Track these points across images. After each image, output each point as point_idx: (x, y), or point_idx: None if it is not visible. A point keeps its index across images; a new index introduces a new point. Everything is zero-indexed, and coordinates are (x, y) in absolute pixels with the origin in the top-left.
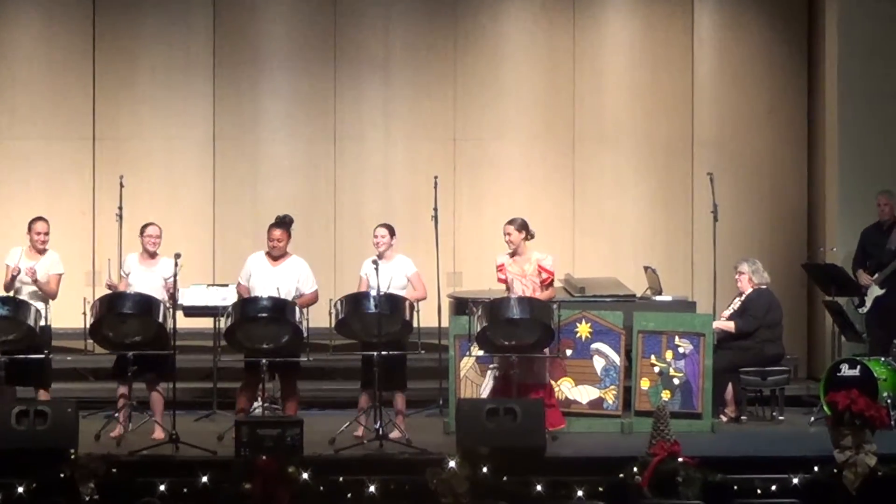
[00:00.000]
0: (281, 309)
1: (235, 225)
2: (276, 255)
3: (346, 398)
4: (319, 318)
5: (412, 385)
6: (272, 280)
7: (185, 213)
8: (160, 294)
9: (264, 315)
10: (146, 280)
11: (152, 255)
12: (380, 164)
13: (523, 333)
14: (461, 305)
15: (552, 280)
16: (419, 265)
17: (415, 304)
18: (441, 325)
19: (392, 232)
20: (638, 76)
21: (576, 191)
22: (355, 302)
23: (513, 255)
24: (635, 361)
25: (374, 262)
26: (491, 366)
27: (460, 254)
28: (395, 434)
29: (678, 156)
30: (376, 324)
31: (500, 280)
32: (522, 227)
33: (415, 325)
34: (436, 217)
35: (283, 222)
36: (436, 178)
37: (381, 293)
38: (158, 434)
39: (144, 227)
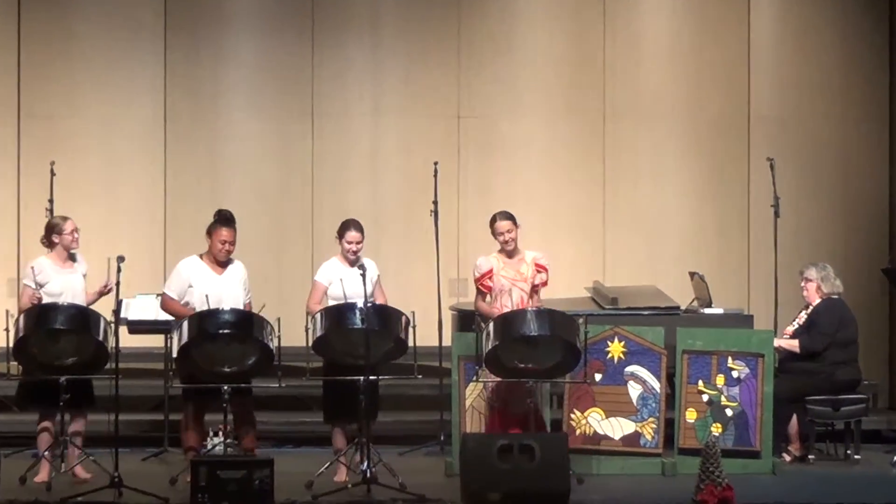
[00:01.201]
0: (247, 324)
1: (191, 222)
2: (222, 261)
3: (327, 433)
4: (293, 335)
5: (407, 416)
6: (222, 292)
7: (130, 207)
8: (83, 296)
9: (227, 331)
10: (71, 286)
11: (72, 257)
12: (367, 148)
13: (543, 354)
14: (466, 320)
15: (546, 282)
16: (415, 270)
17: (410, 318)
18: (442, 343)
19: (363, 233)
20: (682, 41)
21: (606, 179)
22: (337, 315)
23: (506, 256)
24: (679, 388)
25: (361, 265)
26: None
27: (466, 256)
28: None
29: (731, 137)
30: (363, 342)
31: (483, 288)
32: (516, 221)
33: (410, 343)
34: (436, 212)
35: (230, 218)
36: (435, 164)
37: (370, 303)
38: (81, 473)
39: (61, 221)
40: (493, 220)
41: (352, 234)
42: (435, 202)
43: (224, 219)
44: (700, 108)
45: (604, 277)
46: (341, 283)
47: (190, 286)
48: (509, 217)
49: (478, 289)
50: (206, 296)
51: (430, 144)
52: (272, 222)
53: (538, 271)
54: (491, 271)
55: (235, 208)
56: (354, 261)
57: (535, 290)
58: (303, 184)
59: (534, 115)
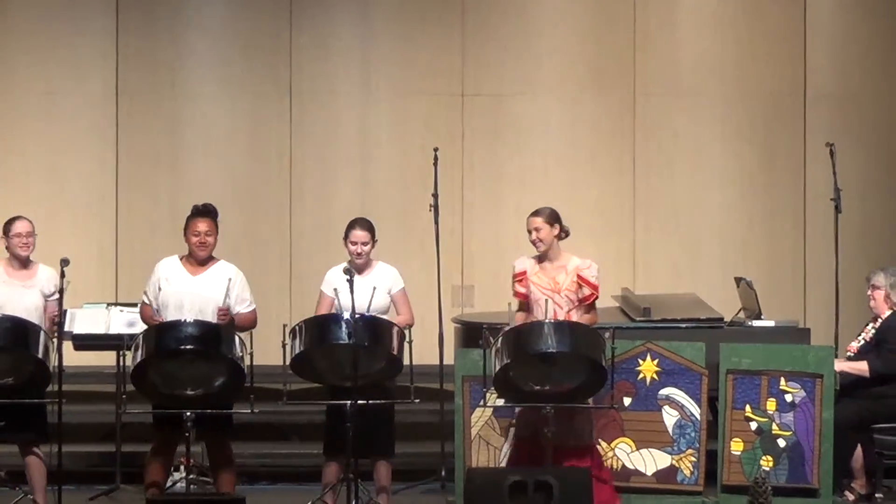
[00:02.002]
0: (213, 339)
1: (147, 220)
2: (200, 259)
3: (307, 467)
4: (268, 351)
5: (402, 448)
6: (193, 295)
7: (75, 202)
8: (39, 318)
9: (189, 347)
10: (18, 299)
11: (24, 264)
12: (355, 132)
13: (562, 374)
14: (472, 334)
15: (596, 299)
16: (412, 275)
17: (405, 331)
18: (443, 361)
19: (373, 232)
20: (727, 4)
21: (637, 168)
22: (320, 328)
23: (540, 259)
24: (723, 414)
25: (348, 270)
26: (515, 420)
27: (471, 259)
28: None
29: (784, 118)
30: (350, 360)
31: (518, 295)
32: (553, 218)
33: (406, 361)
34: (436, 207)
35: (208, 210)
36: (435, 150)
37: (358, 315)
38: None
39: (9, 222)
40: (529, 216)
41: (356, 233)
42: (435, 195)
43: (198, 209)
44: (748, 84)
45: (634, 284)
46: (341, 291)
47: (160, 289)
48: (538, 213)
49: (514, 294)
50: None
51: (429, 128)
52: (243, 218)
53: (580, 285)
54: (524, 274)
55: (199, 200)
56: (363, 266)
57: (583, 304)
58: (279, 173)
59: (551, 93)
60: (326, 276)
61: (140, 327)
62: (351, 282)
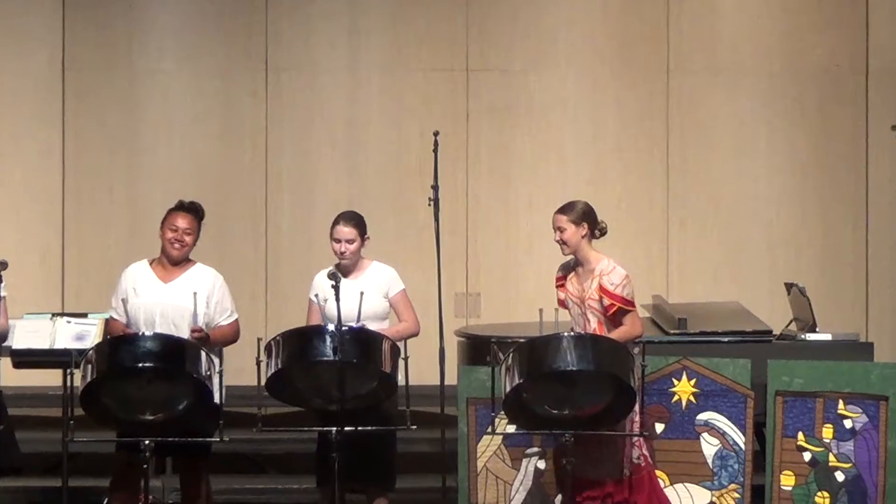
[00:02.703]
0: (175, 355)
1: (99, 215)
2: (174, 260)
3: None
4: (240, 369)
5: (398, 483)
6: (166, 306)
7: (14, 194)
8: None
9: (149, 365)
10: None
11: None
12: (342, 114)
13: (584, 396)
14: (479, 349)
15: (619, 310)
16: (408, 280)
17: (400, 345)
18: (445, 381)
19: (362, 228)
20: None
21: (671, 155)
22: (300, 343)
23: (576, 263)
24: (771, 443)
25: (333, 275)
26: (530, 450)
27: (477, 263)
28: None
29: (842, 98)
30: (336, 380)
31: (559, 302)
32: (582, 216)
33: (401, 380)
34: (436, 201)
35: (192, 208)
36: (435, 135)
37: (345, 326)
38: None
39: None
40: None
41: (339, 229)
42: (434, 187)
43: (182, 204)
44: (799, 58)
45: (667, 291)
46: (328, 299)
47: (128, 298)
48: (564, 210)
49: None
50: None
51: (428, 109)
52: (210, 214)
53: (604, 294)
54: (563, 279)
55: (161, 193)
56: (350, 268)
57: (609, 316)
58: (253, 162)
59: (570, 68)
60: (316, 280)
61: (91, 342)
62: (336, 288)
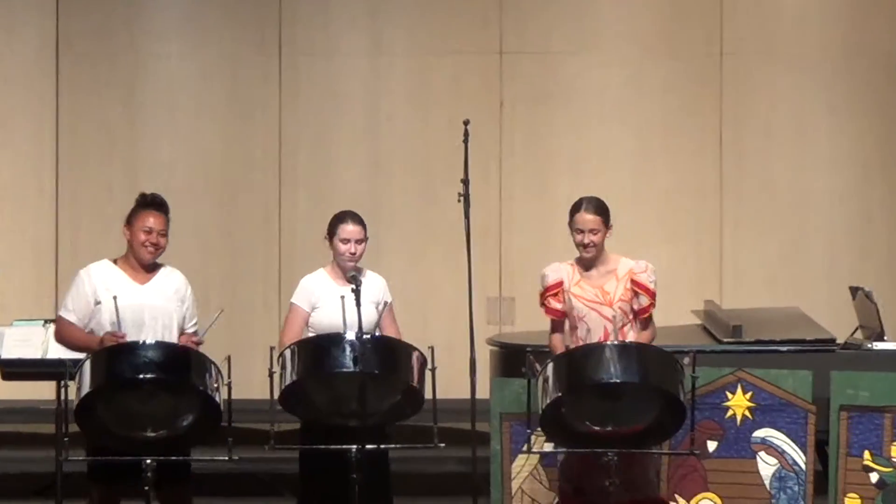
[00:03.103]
0: (181, 365)
1: (96, 216)
2: (146, 262)
3: None
4: (251, 382)
5: None
6: (153, 309)
7: (4, 190)
8: None
9: (151, 377)
10: None
11: None
12: (362, 101)
13: (629, 412)
14: (513, 359)
15: (651, 309)
16: (436, 284)
17: (427, 356)
18: (476, 395)
19: (366, 228)
20: None
21: (724, 146)
22: (318, 352)
23: (585, 265)
24: (835, 462)
25: (354, 277)
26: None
27: (511, 264)
28: None
29: None
30: (357, 393)
31: (551, 312)
32: (608, 215)
33: (428, 394)
34: (466, 197)
35: (162, 203)
36: (466, 125)
37: (367, 334)
38: None
39: None
40: (574, 208)
41: (348, 228)
42: (465, 182)
43: (152, 201)
44: (865, 40)
45: (720, 295)
46: (336, 305)
47: (98, 302)
48: (597, 209)
49: (546, 311)
50: (116, 308)
51: (458, 96)
52: (218, 212)
53: (636, 292)
54: (559, 285)
55: (164, 191)
56: (353, 271)
57: (640, 318)
58: (265, 156)
59: (614, 50)
60: (304, 283)
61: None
62: (357, 292)
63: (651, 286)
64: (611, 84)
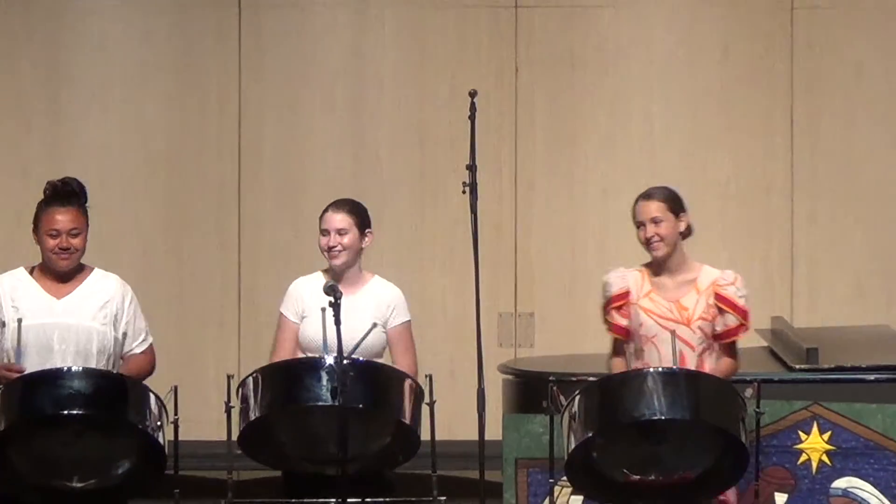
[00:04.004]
0: (115, 398)
1: (8, 206)
2: (62, 271)
3: None
4: (203, 419)
5: None
6: (66, 329)
7: None
8: None
9: (78, 412)
10: None
11: None
12: (343, 66)
13: (677, 456)
14: (532, 391)
15: (745, 333)
16: (434, 295)
17: (424, 386)
18: (485, 435)
19: (360, 218)
20: None
21: (797, 122)
22: (286, 381)
23: (655, 271)
24: None
25: (332, 288)
26: None
27: (529, 272)
28: None
29: None
30: (336, 433)
31: (615, 329)
32: (680, 205)
33: (425, 434)
34: (473, 187)
35: (73, 193)
36: (472, 95)
37: (349, 359)
38: None
39: None
40: (636, 199)
41: (326, 217)
42: (471, 167)
43: (57, 193)
44: None
45: (791, 310)
46: (313, 319)
47: (2, 324)
48: (657, 194)
49: (609, 329)
50: (18, 331)
51: (462, 59)
52: (161, 206)
53: (720, 309)
54: (626, 296)
55: (94, 175)
56: (349, 278)
57: (721, 341)
58: (221, 133)
59: (659, 4)
60: (291, 289)
61: None
62: (336, 306)
63: (740, 303)
64: (654, 45)
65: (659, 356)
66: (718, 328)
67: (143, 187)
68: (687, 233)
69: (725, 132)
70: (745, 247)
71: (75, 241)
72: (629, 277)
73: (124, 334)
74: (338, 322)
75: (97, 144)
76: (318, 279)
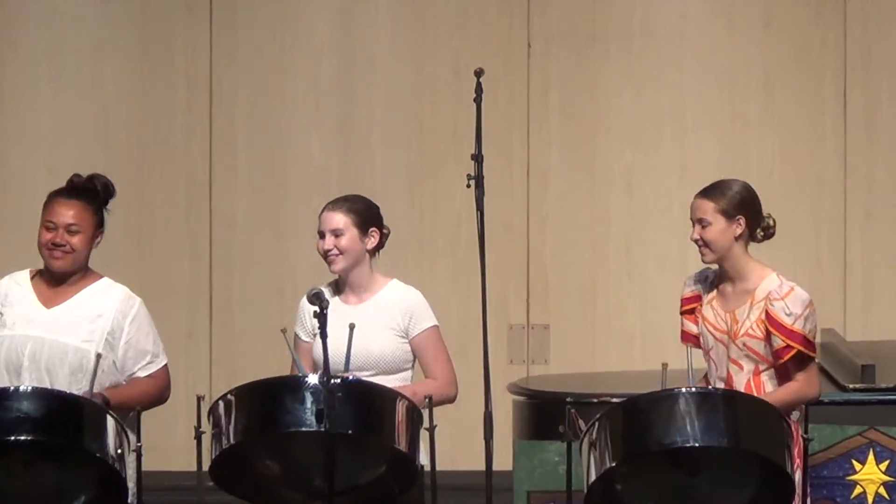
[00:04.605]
0: (69, 424)
1: None
2: (60, 275)
3: None
4: (171, 447)
5: None
6: (44, 343)
7: None
8: None
9: (27, 438)
10: None
11: None
12: (330, 39)
13: (713, 488)
14: (546, 414)
15: (804, 356)
16: (438, 302)
17: (424, 407)
18: (493, 465)
19: (365, 217)
20: None
21: (850, 107)
22: (264, 403)
23: (721, 277)
24: None
25: (316, 295)
26: None
27: (544, 278)
28: None
29: None
30: (322, 462)
31: (683, 337)
32: (742, 206)
33: (424, 461)
34: (479, 181)
35: (85, 187)
36: (478, 74)
37: (338, 378)
38: None
39: None
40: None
41: (324, 218)
42: (477, 157)
43: (72, 186)
44: None
45: (843, 321)
46: (338, 332)
47: None
48: (714, 193)
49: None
50: None
51: (468, 35)
52: (123, 201)
53: (772, 329)
54: (696, 300)
55: (43, 170)
56: (348, 283)
57: (780, 360)
58: (190, 120)
59: None
60: (301, 304)
61: None
62: (322, 317)
63: (787, 321)
64: (687, 17)
65: (717, 374)
66: (772, 348)
67: (92, 168)
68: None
69: (768, 117)
70: (790, 249)
71: (73, 240)
72: (703, 279)
73: (124, 355)
74: (324, 335)
75: (47, 129)
76: (327, 290)
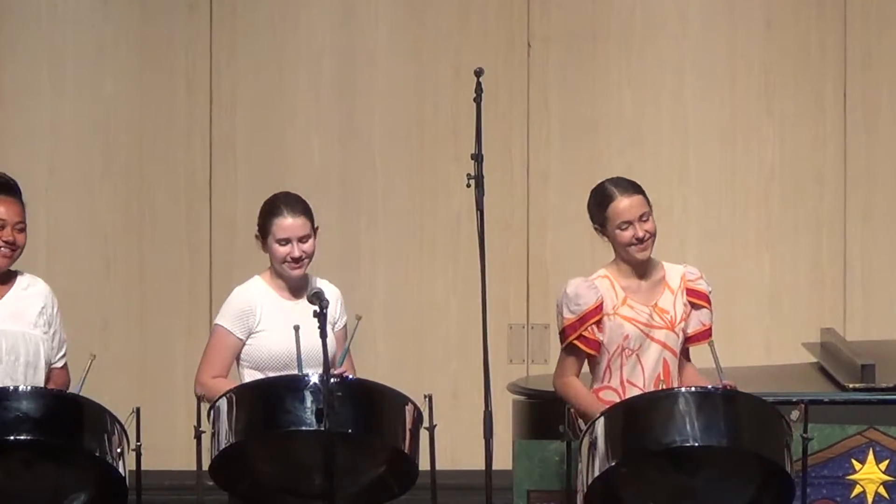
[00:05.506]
0: (69, 421)
1: None
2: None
3: None
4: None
5: None
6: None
7: None
8: None
9: (26, 438)
10: None
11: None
12: (329, 39)
13: (713, 489)
14: (546, 414)
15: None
16: (434, 307)
17: (423, 410)
18: (492, 464)
19: (313, 217)
20: None
21: (850, 105)
22: (264, 402)
23: (625, 275)
24: None
25: (317, 295)
26: None
27: (544, 277)
28: None
29: None
30: (321, 462)
31: (590, 346)
32: (642, 188)
33: (424, 462)
34: (479, 180)
35: (13, 186)
36: (478, 74)
37: (337, 375)
38: None
39: None
40: (603, 196)
41: (286, 223)
42: (477, 158)
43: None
44: None
45: (843, 321)
46: (282, 330)
47: None
48: (640, 188)
49: (568, 348)
50: None
51: (467, 33)
52: (122, 203)
53: (693, 306)
54: (600, 309)
55: (42, 172)
56: (301, 282)
57: (693, 342)
58: (190, 117)
59: None
60: (234, 297)
61: None
62: (323, 316)
63: (710, 293)
64: (688, 16)
65: (643, 372)
66: (690, 329)
67: (99, 180)
68: None
69: (768, 116)
70: (790, 248)
71: (19, 237)
72: (599, 286)
73: (54, 345)
74: (324, 336)
75: (46, 130)
76: (261, 287)
